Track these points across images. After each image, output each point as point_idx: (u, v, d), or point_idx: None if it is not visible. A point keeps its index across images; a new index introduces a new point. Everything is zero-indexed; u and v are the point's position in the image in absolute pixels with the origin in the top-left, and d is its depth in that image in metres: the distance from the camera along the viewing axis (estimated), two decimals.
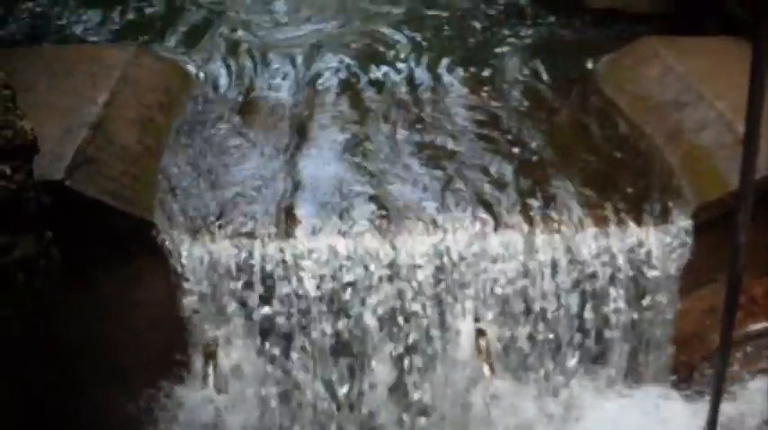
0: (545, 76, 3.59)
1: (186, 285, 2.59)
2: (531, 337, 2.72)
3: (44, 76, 3.11)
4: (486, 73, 3.59)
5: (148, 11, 4.31)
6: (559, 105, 3.40)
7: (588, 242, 2.67)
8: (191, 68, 3.56)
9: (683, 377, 2.89)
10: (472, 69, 3.58)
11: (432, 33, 3.91)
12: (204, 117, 3.24)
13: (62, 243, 2.27)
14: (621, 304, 2.74)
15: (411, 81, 3.53)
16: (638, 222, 2.73)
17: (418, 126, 3.20)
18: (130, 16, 4.27)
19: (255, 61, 3.64)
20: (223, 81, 3.50)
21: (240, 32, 3.97)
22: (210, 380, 2.65)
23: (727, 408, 2.13)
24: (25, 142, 2.09)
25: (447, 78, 3.53)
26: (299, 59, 3.66)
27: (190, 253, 2.56)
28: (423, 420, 2.75)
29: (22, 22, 4.22)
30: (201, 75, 3.53)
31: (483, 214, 2.70)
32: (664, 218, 2.75)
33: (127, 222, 2.57)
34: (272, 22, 4.09)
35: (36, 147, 2.16)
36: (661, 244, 2.71)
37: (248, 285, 2.57)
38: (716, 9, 3.84)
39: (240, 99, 3.39)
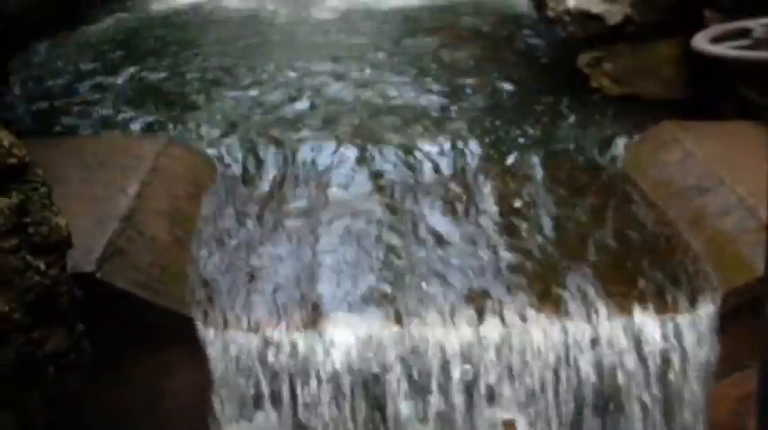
0: (567, 165, 3.63)
1: (215, 377, 2.61)
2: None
3: (77, 168, 3.21)
4: (508, 165, 3.64)
5: (174, 99, 4.46)
6: (583, 193, 3.43)
7: (614, 331, 2.66)
8: (220, 159, 3.63)
9: None
10: (495, 162, 3.63)
11: (453, 129, 3.96)
12: (232, 208, 3.30)
13: (91, 333, 2.30)
14: (651, 393, 2.71)
15: (437, 174, 3.59)
16: (665, 310, 2.73)
17: (445, 217, 3.27)
18: (156, 106, 4.39)
19: (284, 153, 3.69)
20: (251, 172, 3.55)
21: (270, 122, 4.05)
22: None
23: None
24: (60, 238, 2.15)
25: (472, 171, 3.59)
26: (328, 153, 3.70)
27: (219, 345, 2.59)
28: None
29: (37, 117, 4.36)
30: (230, 166, 3.59)
31: (508, 306, 2.71)
32: (691, 304, 2.74)
33: (156, 314, 2.61)
34: (304, 116, 4.18)
35: (70, 242, 2.22)
36: (689, 331, 2.70)
37: (278, 379, 2.58)
38: (730, 93, 3.91)
39: (268, 191, 3.44)
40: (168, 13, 7.22)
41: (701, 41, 1.73)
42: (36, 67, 5.32)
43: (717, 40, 1.72)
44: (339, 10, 6.35)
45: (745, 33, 1.71)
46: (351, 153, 3.69)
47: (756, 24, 1.70)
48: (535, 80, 4.64)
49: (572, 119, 4.07)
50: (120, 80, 4.95)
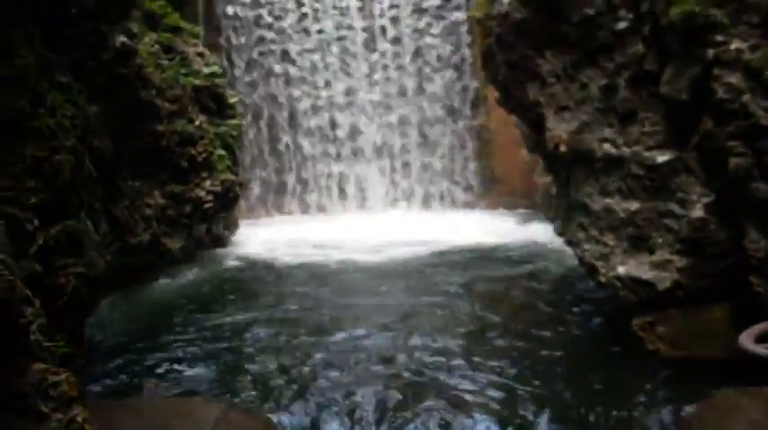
0: None
1: None
2: None
3: None
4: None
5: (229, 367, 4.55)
6: None
7: None
8: (281, 425, 3.65)
9: None
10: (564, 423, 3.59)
11: (513, 401, 3.95)
12: None
13: None
14: None
15: None
16: None
17: None
18: (219, 366, 4.51)
19: (340, 417, 3.72)
20: None
21: (334, 387, 4.10)
22: None
23: None
24: None
25: None
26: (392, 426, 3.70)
27: None
28: None
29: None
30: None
31: None
32: None
33: None
34: (365, 380, 4.22)
35: None
36: None
37: None
38: None
39: None
40: (235, 267, 7.69)
41: (746, 341, 1.81)
42: (100, 324, 5.60)
43: (761, 338, 1.79)
44: (396, 285, 6.66)
45: None
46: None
47: None
48: (593, 346, 4.70)
49: (631, 385, 4.02)
50: (183, 337, 5.17)
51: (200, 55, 9.33)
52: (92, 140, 5.58)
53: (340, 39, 11.91)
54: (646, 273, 4.38)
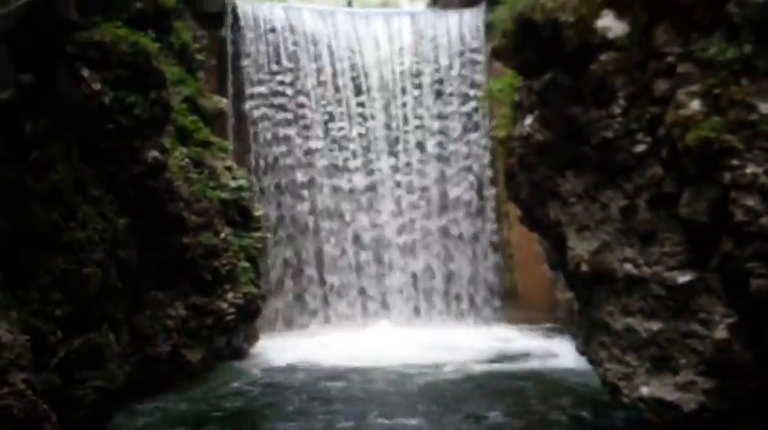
0: None
1: None
2: None
3: None
4: None
5: None
6: None
7: None
8: None
9: None
10: None
11: None
12: None
13: None
14: None
15: None
16: None
17: None
18: None
19: None
20: None
21: None
22: None
23: None
24: None
25: None
26: None
27: None
28: None
29: None
30: None
31: None
32: None
33: None
34: None
35: None
36: None
37: None
38: None
39: None
40: (249, 384, 7.57)
41: None
42: None
43: None
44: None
45: None
46: None
47: None
48: None
49: None
50: None
51: (228, 169, 9.58)
52: (119, 252, 5.70)
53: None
54: (670, 395, 4.29)
